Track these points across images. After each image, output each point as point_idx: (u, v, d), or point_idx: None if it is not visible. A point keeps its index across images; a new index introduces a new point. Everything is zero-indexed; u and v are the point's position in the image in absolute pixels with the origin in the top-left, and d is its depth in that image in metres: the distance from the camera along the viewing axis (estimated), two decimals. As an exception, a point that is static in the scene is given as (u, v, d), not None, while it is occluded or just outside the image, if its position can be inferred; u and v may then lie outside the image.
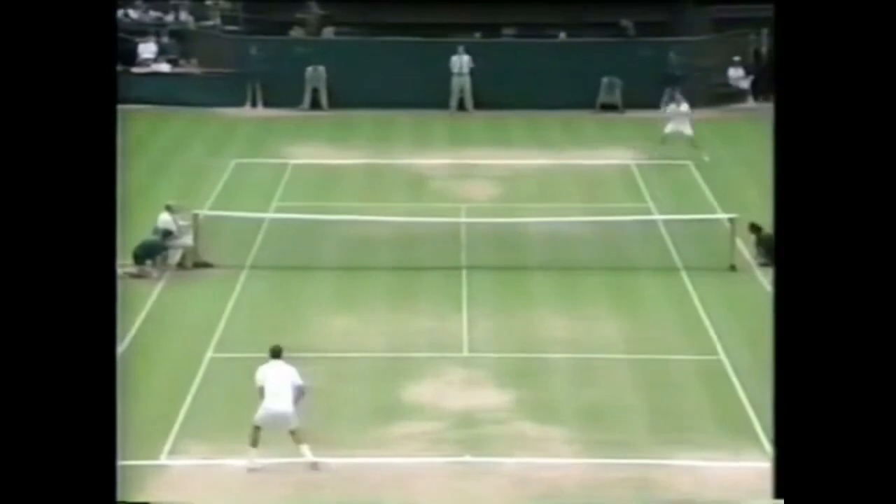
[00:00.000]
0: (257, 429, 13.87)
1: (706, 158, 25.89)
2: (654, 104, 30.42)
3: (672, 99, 27.20)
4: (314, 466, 13.83)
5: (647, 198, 23.79)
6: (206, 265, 19.98)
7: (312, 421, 15.06)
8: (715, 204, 23.21)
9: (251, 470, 13.79)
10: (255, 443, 13.87)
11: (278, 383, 13.92)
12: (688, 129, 26.23)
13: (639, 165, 25.95)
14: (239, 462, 14.09)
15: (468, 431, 14.85)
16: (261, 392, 14.01)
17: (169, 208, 20.38)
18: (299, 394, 14.03)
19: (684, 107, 26.63)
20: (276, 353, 14.29)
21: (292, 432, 13.89)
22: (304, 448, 13.88)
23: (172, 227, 20.26)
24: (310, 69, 30.33)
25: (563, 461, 14.18)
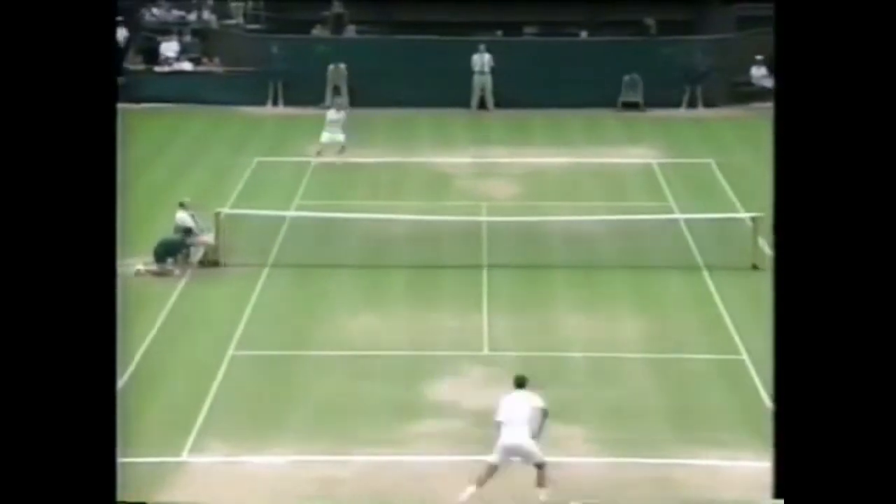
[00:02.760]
0: (492, 466, 13.05)
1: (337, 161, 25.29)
2: (677, 103, 30.38)
3: (335, 104, 26.35)
4: None
5: (669, 196, 23.73)
6: (215, 264, 19.96)
7: (333, 418, 15.12)
8: (737, 203, 23.14)
9: None
10: (481, 482, 13.00)
11: (514, 414, 13.06)
12: (340, 136, 25.53)
13: (660, 164, 25.91)
14: (261, 458, 14.14)
15: (488, 430, 14.81)
16: (497, 427, 13.16)
17: (182, 205, 20.44)
18: (542, 417, 13.15)
19: (342, 114, 25.95)
20: (520, 384, 13.42)
21: (537, 466, 13.03)
22: (542, 493, 13.00)
23: (191, 224, 20.32)
24: (331, 67, 30.38)
25: (584, 460, 14.17)
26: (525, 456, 13.09)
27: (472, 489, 13.07)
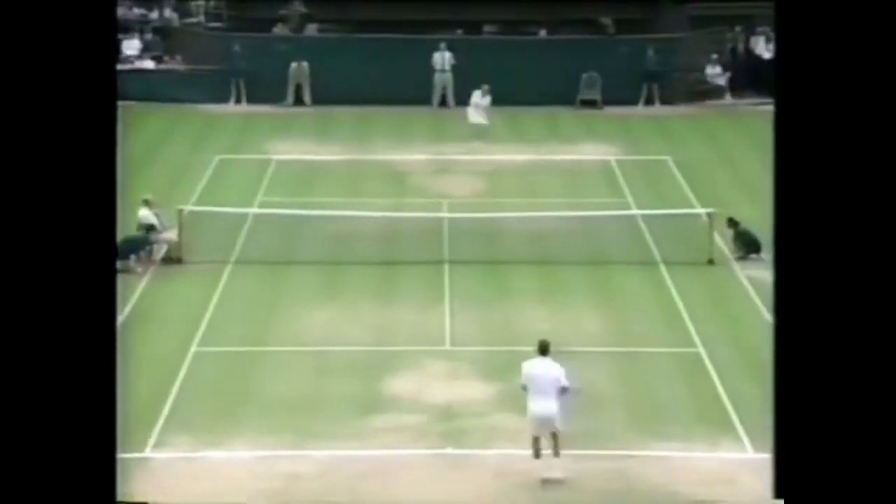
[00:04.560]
0: (536, 439, 13.42)
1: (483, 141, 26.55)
2: (633, 101, 30.71)
3: (482, 89, 27.37)
4: (549, 481, 13.32)
5: (627, 193, 24.02)
6: (178, 261, 20.09)
7: (294, 413, 15.28)
8: (693, 199, 23.47)
9: (546, 481, 13.34)
10: (536, 454, 13.46)
11: (543, 383, 13.34)
12: (484, 120, 26.92)
13: (618, 161, 26.21)
14: (223, 454, 14.27)
15: (450, 424, 15.05)
16: (524, 389, 13.50)
17: (146, 202, 20.51)
18: (564, 395, 13.44)
19: (486, 100, 27.09)
20: (543, 350, 13.61)
21: (553, 435, 13.39)
22: (555, 462, 13.36)
23: (154, 221, 20.38)
24: (293, 65, 30.46)
25: (543, 452, 14.37)
26: (549, 426, 13.41)
27: (539, 464, 13.43)
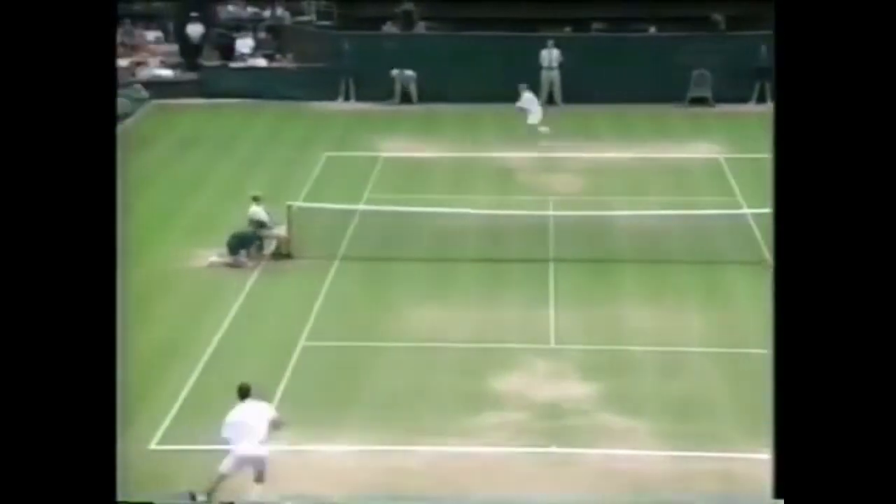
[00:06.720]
0: (223, 477, 12.96)
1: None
2: (745, 98, 30.25)
3: (528, 88, 27.27)
4: None
5: (737, 191, 23.71)
6: (287, 256, 20.40)
7: (401, 409, 15.41)
8: (805, 198, 23.06)
9: None
10: (214, 489, 12.95)
11: (246, 428, 12.99)
12: (534, 118, 26.82)
13: (728, 159, 25.87)
14: (330, 448, 14.46)
15: (554, 422, 15.04)
16: (227, 441, 13.03)
17: (255, 199, 20.86)
18: (275, 427, 13.17)
19: (527, 96, 26.99)
20: (244, 394, 13.32)
21: (259, 473, 13.02)
22: (259, 488, 13.04)
23: (264, 218, 20.73)
24: (395, 72, 30.58)
25: (648, 453, 14.30)
26: (257, 465, 13.02)
27: (202, 498, 13.05)
